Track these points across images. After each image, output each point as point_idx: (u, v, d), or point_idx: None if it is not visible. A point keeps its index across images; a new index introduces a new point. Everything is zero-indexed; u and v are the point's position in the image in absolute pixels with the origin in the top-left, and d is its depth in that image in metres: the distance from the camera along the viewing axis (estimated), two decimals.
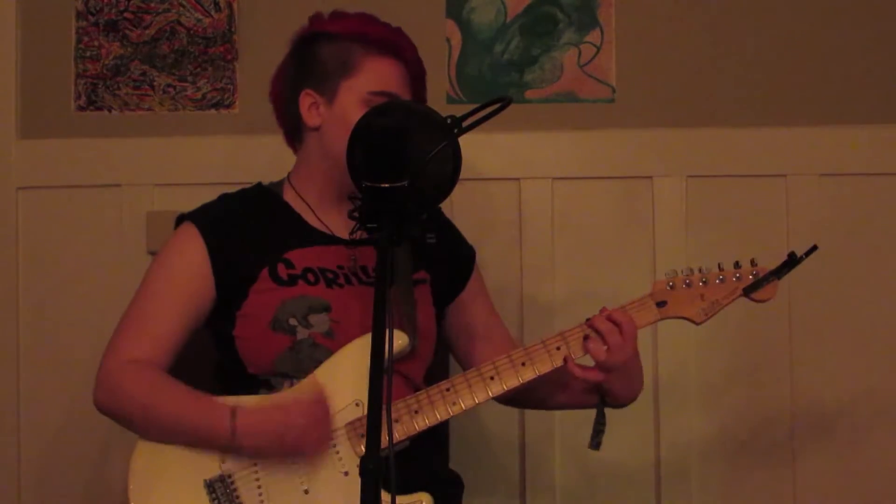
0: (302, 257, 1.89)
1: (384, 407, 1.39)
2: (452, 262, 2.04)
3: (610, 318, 1.82)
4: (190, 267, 1.88)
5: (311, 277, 1.87)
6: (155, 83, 2.53)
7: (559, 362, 1.82)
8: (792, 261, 1.88)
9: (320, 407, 1.74)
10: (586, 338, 1.82)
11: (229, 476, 1.75)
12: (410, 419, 1.77)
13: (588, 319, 1.83)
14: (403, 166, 1.53)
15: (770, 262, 1.91)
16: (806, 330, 2.44)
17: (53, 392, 2.52)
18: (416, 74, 1.94)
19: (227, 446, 1.73)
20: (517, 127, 2.43)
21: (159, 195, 2.50)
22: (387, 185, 1.53)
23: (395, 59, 1.90)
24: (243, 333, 1.86)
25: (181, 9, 2.52)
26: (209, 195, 2.47)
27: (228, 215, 1.94)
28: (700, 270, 1.87)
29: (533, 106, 2.49)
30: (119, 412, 1.83)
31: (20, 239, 2.53)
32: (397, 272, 1.88)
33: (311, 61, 1.92)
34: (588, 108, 2.49)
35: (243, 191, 2.02)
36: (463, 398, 1.79)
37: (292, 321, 1.83)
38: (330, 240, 1.92)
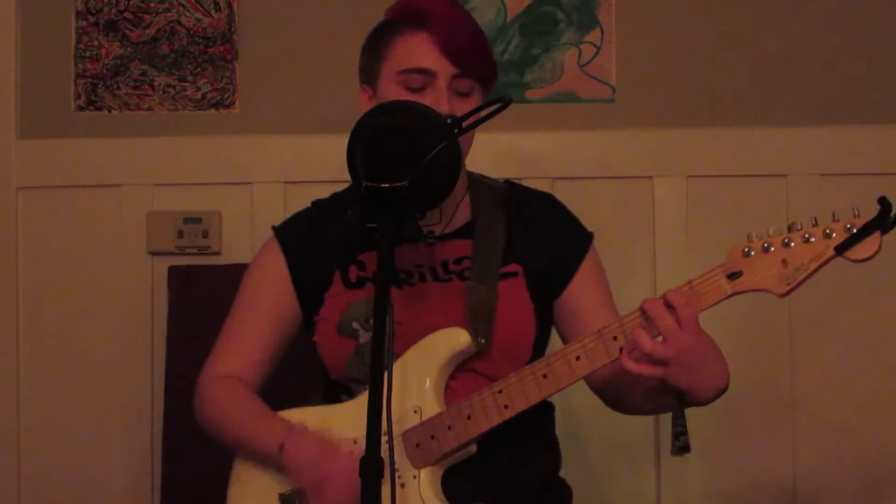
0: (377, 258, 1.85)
1: (385, 407, 1.39)
2: (556, 253, 1.88)
3: (665, 300, 1.58)
4: (271, 282, 1.89)
5: None
6: (155, 83, 2.53)
7: (616, 354, 1.62)
8: (886, 208, 1.57)
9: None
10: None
11: (301, 492, 1.73)
12: (463, 425, 1.68)
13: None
14: (403, 166, 1.53)
15: None
16: (807, 329, 2.44)
17: (54, 392, 2.51)
18: (447, 40, 1.75)
19: (277, 463, 1.74)
20: (517, 127, 2.43)
21: (159, 195, 2.50)
22: (387, 186, 1.52)
23: (422, 32, 1.77)
24: (319, 339, 1.85)
25: (181, 9, 2.52)
26: (209, 195, 2.50)
27: (312, 224, 1.92)
28: (790, 229, 1.57)
29: (533, 106, 2.49)
30: (205, 426, 1.88)
31: (20, 239, 2.53)
32: (480, 265, 1.81)
33: (363, 56, 1.88)
34: (588, 108, 2.49)
35: (335, 194, 1.97)
36: (514, 400, 1.65)
37: (355, 325, 1.81)
38: (419, 235, 1.80)
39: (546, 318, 1.87)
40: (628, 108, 2.48)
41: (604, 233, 2.45)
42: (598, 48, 2.48)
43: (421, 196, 1.56)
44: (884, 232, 1.55)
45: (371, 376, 1.40)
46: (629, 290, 2.43)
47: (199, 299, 2.38)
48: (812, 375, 2.44)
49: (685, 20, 2.48)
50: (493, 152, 2.44)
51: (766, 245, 1.57)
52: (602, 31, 2.48)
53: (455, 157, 1.60)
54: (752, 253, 1.57)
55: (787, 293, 1.57)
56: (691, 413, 2.25)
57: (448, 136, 1.56)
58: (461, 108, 1.72)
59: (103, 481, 2.50)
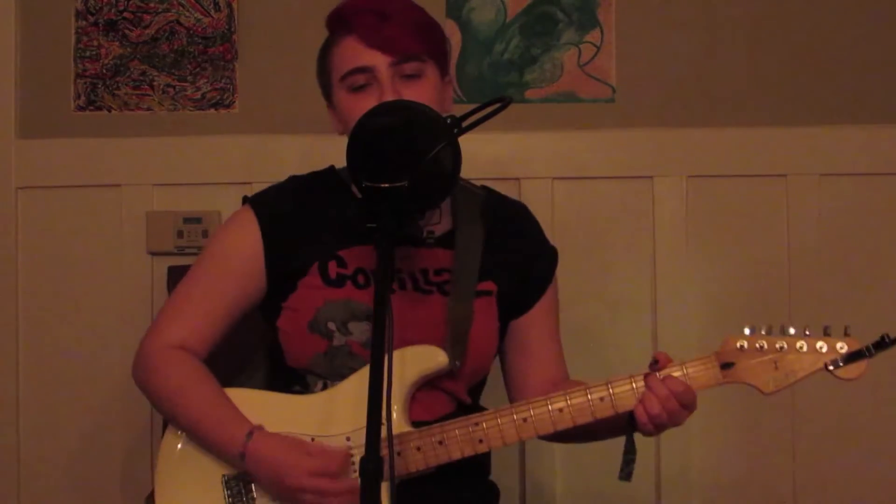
0: (357, 256, 1.81)
1: (384, 407, 1.39)
2: (525, 274, 1.88)
3: (666, 386, 1.64)
4: (242, 253, 1.83)
5: (360, 280, 1.80)
6: (155, 83, 2.53)
7: (601, 414, 1.66)
8: (884, 342, 1.62)
9: (331, 477, 1.66)
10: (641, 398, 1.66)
11: (247, 476, 1.73)
12: (433, 449, 1.68)
13: (646, 374, 1.66)
14: (403, 166, 1.53)
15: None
16: None
17: (53, 392, 2.52)
18: (372, 34, 1.74)
19: (236, 463, 1.72)
20: (517, 127, 2.43)
21: (159, 195, 2.50)
22: (386, 186, 1.52)
23: (350, 35, 1.77)
24: (285, 326, 1.81)
25: (181, 9, 2.52)
26: (209, 195, 2.50)
27: (291, 202, 1.86)
28: (782, 331, 1.66)
29: (533, 106, 2.49)
30: (150, 395, 1.82)
31: (20, 239, 2.53)
32: (460, 282, 1.79)
33: (317, 76, 1.86)
34: (588, 108, 2.49)
35: (314, 174, 1.92)
36: (491, 438, 1.68)
37: (331, 325, 1.77)
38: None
39: (503, 336, 1.89)
40: (628, 108, 2.48)
41: (604, 233, 2.48)
42: (598, 48, 2.48)
43: (421, 196, 1.56)
44: (870, 356, 1.63)
45: (371, 382, 1.40)
46: (629, 290, 2.45)
47: None
48: (813, 388, 2.43)
49: (685, 20, 2.48)
50: (493, 152, 2.45)
51: (760, 345, 1.65)
52: (602, 31, 2.48)
53: (455, 157, 1.60)
54: (746, 348, 1.66)
55: (773, 394, 1.66)
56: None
57: (448, 136, 1.56)
58: (411, 92, 1.71)
59: (103, 480, 2.50)
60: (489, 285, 1.83)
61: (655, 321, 2.43)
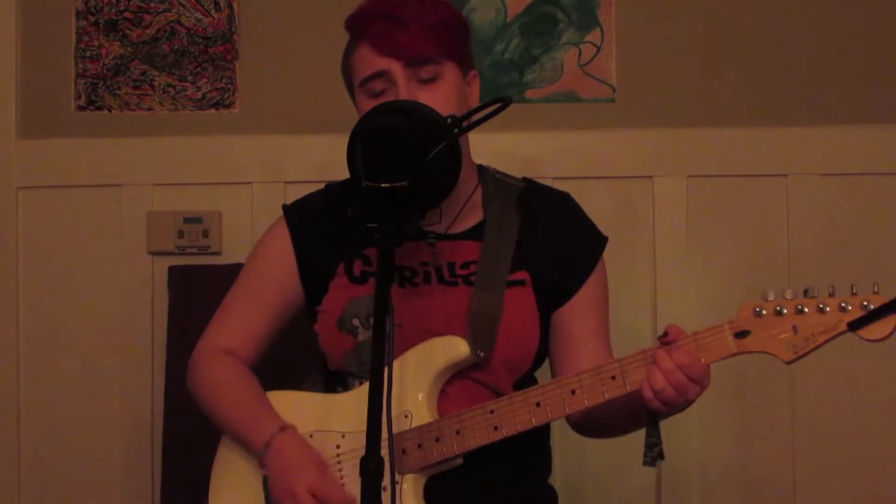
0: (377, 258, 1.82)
1: (385, 406, 1.39)
2: (565, 262, 1.84)
3: (673, 358, 1.57)
4: (275, 259, 1.89)
5: None
6: (155, 83, 2.53)
7: (613, 393, 1.61)
8: None
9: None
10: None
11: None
12: (452, 439, 1.67)
13: (655, 348, 1.60)
14: (403, 166, 1.53)
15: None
16: None
17: (53, 392, 2.52)
18: (382, 41, 1.74)
19: (258, 453, 1.76)
20: (517, 127, 2.42)
21: (159, 195, 2.51)
22: (387, 185, 1.53)
23: (363, 43, 1.78)
24: (319, 329, 1.85)
25: (181, 9, 2.52)
26: (209, 195, 2.50)
27: (322, 207, 1.91)
28: (805, 294, 1.53)
29: (533, 106, 2.49)
30: (194, 396, 1.89)
31: (20, 239, 2.53)
32: (487, 272, 1.78)
33: (343, 80, 1.88)
34: (588, 108, 2.49)
35: (348, 180, 1.87)
36: (505, 424, 1.65)
37: (355, 322, 1.80)
38: (419, 234, 1.79)
39: (548, 328, 1.85)
40: (628, 108, 2.48)
41: (604, 233, 2.47)
42: (598, 48, 2.48)
43: (421, 196, 1.56)
44: None
45: (371, 380, 1.40)
46: (629, 291, 2.45)
47: (199, 299, 2.37)
48: (812, 385, 2.44)
49: (685, 20, 2.48)
50: (493, 152, 2.43)
51: (778, 308, 1.53)
52: (602, 31, 2.48)
53: (455, 157, 1.60)
54: (764, 314, 1.54)
55: (793, 361, 1.54)
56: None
57: (448, 136, 1.57)
58: (427, 97, 1.70)
59: (103, 480, 2.50)
60: (522, 275, 1.81)
61: (655, 321, 2.43)
